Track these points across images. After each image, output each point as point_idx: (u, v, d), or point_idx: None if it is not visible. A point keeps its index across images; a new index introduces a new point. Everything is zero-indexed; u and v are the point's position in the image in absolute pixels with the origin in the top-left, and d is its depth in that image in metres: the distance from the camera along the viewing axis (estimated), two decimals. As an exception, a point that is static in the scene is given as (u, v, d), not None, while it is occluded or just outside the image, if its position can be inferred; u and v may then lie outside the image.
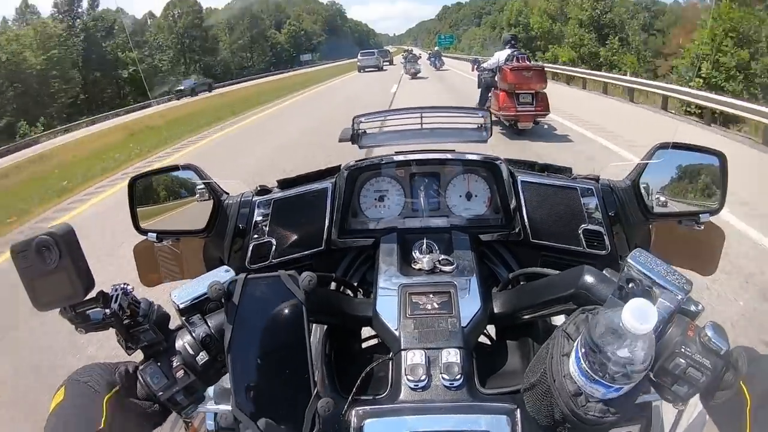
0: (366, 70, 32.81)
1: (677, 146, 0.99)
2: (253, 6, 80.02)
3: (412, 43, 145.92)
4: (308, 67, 60.99)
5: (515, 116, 8.16)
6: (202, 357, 0.67)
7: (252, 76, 50.89)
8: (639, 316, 0.50)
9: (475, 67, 10.69)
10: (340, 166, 1.12)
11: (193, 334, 0.68)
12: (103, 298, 0.64)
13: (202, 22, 60.86)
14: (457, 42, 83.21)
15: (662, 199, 1.02)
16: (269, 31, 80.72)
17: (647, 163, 0.99)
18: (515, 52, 8.59)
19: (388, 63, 37.30)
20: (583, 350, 0.55)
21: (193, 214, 1.06)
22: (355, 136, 1.13)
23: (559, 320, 0.94)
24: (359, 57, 35.67)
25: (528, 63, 8.58)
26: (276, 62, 75.09)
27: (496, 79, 8.68)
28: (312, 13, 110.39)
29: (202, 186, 1.06)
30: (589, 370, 0.54)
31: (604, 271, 0.71)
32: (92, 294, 0.64)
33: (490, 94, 9.02)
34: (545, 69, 8.85)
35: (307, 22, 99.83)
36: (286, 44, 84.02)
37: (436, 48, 42.50)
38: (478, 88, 9.73)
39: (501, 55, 8.66)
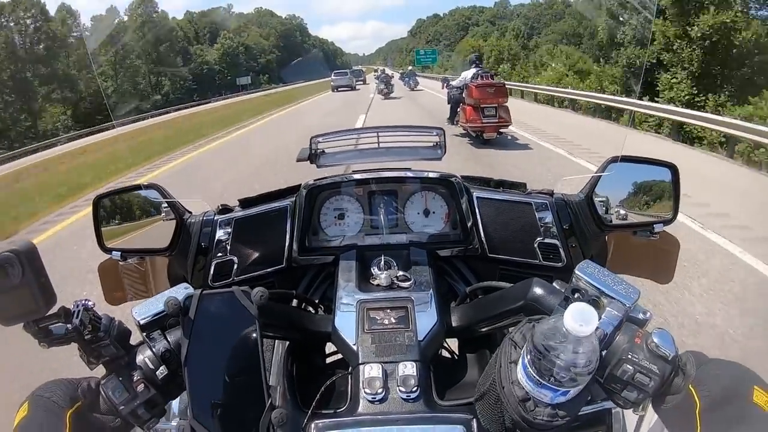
0: (339, 89, 32.63)
1: (627, 159, 1.01)
2: (157, 10, 55.38)
3: (382, 63, 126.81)
4: (244, 95, 42.80)
5: (481, 128, 9.04)
6: (162, 371, 0.68)
7: (155, 111, 31.39)
8: (579, 318, 0.53)
9: (445, 85, 11.36)
10: (300, 185, 1.13)
11: (153, 349, 0.68)
12: (65, 314, 0.64)
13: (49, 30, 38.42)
14: (441, 58, 64.79)
15: (616, 210, 1.04)
16: (195, 46, 60.72)
17: (600, 176, 1.01)
18: (480, 71, 9.51)
19: (361, 82, 37.61)
20: (529, 356, 0.57)
21: (158, 232, 1.06)
22: (313, 156, 1.14)
23: None
24: (333, 77, 35.63)
25: (491, 80, 9.44)
26: (199, 88, 53.28)
27: (463, 95, 9.48)
28: (263, 26, 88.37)
29: (167, 205, 1.06)
30: (536, 375, 0.56)
31: (554, 283, 0.74)
32: (54, 309, 0.64)
33: (458, 109, 9.84)
34: (506, 85, 9.76)
35: (254, 36, 78.34)
36: (216, 64, 61.98)
37: (410, 67, 38.37)
38: (448, 103, 10.61)
39: (467, 74, 9.59)
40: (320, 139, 1.14)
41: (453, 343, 1.03)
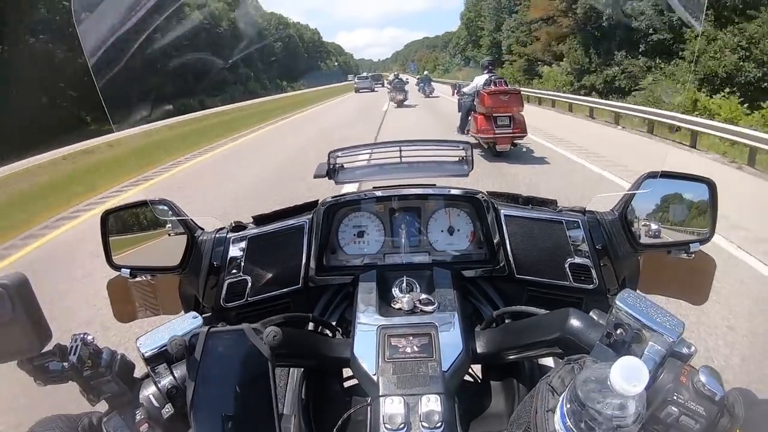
0: (361, 90, 37.64)
1: (666, 175, 0.97)
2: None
3: (400, 68, 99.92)
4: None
5: (493, 139, 8.44)
6: (168, 410, 0.64)
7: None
8: (628, 376, 0.47)
9: (455, 91, 10.98)
10: (317, 201, 1.09)
11: (159, 386, 0.64)
12: (61, 351, 0.60)
13: None
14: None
15: (651, 229, 0.99)
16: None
17: (635, 194, 0.97)
18: (493, 77, 8.99)
19: (380, 85, 41.67)
20: (568, 406, 0.52)
21: (168, 249, 1.02)
22: (331, 171, 1.10)
23: (546, 361, 0.91)
24: (356, 80, 41.77)
25: (505, 87, 8.89)
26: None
27: (474, 102, 8.98)
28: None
29: (178, 221, 1.02)
30: (574, 428, 0.51)
31: (591, 313, 0.69)
32: (50, 345, 0.61)
33: (470, 118, 9.31)
34: (521, 92, 9.19)
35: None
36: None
37: (425, 72, 40.29)
38: (459, 111, 10.06)
39: (479, 80, 9.05)
40: (339, 154, 1.10)
41: (476, 368, 0.98)
